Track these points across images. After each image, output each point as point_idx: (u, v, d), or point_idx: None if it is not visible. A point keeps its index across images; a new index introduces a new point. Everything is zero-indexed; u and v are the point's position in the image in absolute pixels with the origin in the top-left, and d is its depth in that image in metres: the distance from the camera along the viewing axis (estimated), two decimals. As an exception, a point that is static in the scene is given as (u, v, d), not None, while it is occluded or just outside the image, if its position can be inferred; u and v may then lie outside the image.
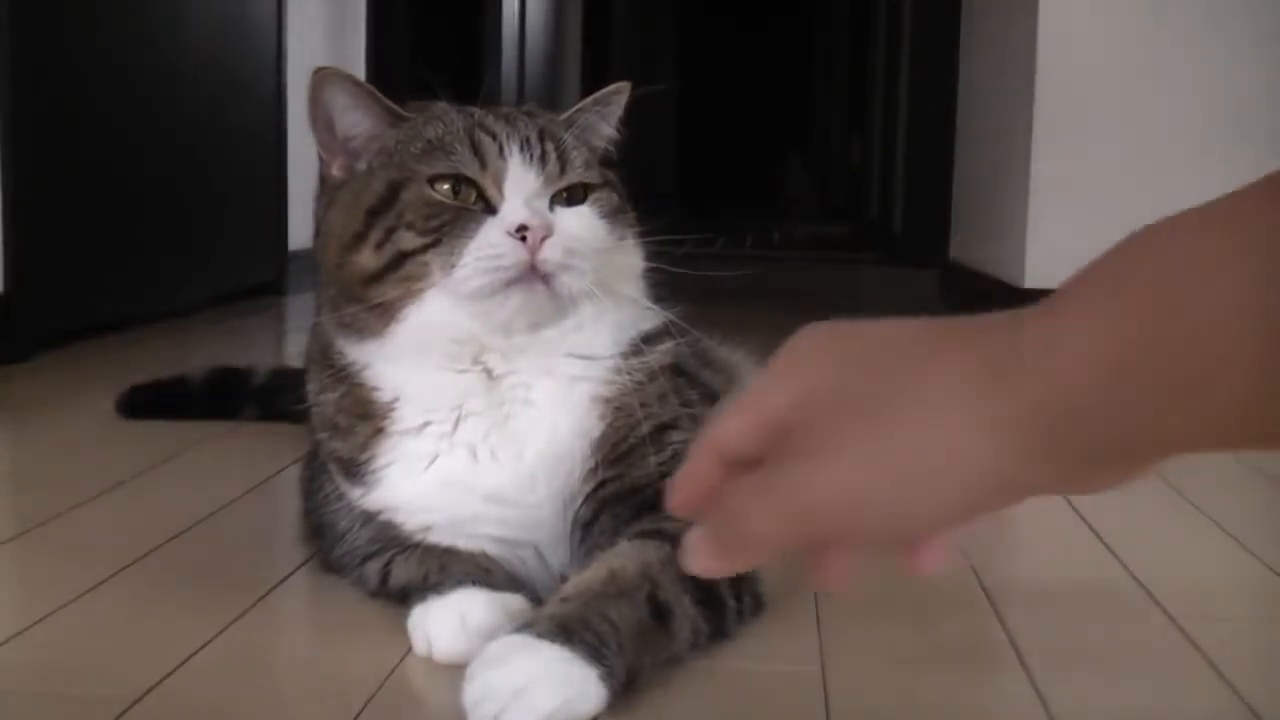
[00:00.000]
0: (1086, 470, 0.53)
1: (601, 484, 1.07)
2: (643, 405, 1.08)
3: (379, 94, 1.08)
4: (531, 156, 1.04)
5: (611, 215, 1.08)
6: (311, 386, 1.14)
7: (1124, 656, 1.08)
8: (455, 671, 0.97)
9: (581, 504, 1.07)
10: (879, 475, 0.54)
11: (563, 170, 1.06)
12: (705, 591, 0.99)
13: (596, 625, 0.90)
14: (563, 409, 1.07)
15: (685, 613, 0.97)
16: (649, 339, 1.11)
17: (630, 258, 1.11)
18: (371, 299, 1.03)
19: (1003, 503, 0.55)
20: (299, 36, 3.69)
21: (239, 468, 1.63)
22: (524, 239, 1.00)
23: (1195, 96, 3.03)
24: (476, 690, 0.87)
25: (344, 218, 1.05)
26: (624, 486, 1.07)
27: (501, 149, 1.04)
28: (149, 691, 0.93)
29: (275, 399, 1.80)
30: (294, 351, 2.34)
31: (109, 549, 1.26)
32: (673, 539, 0.95)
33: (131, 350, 2.58)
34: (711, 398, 1.19)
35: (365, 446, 1.08)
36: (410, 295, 1.02)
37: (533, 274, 1.00)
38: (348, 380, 1.09)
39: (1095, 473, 0.53)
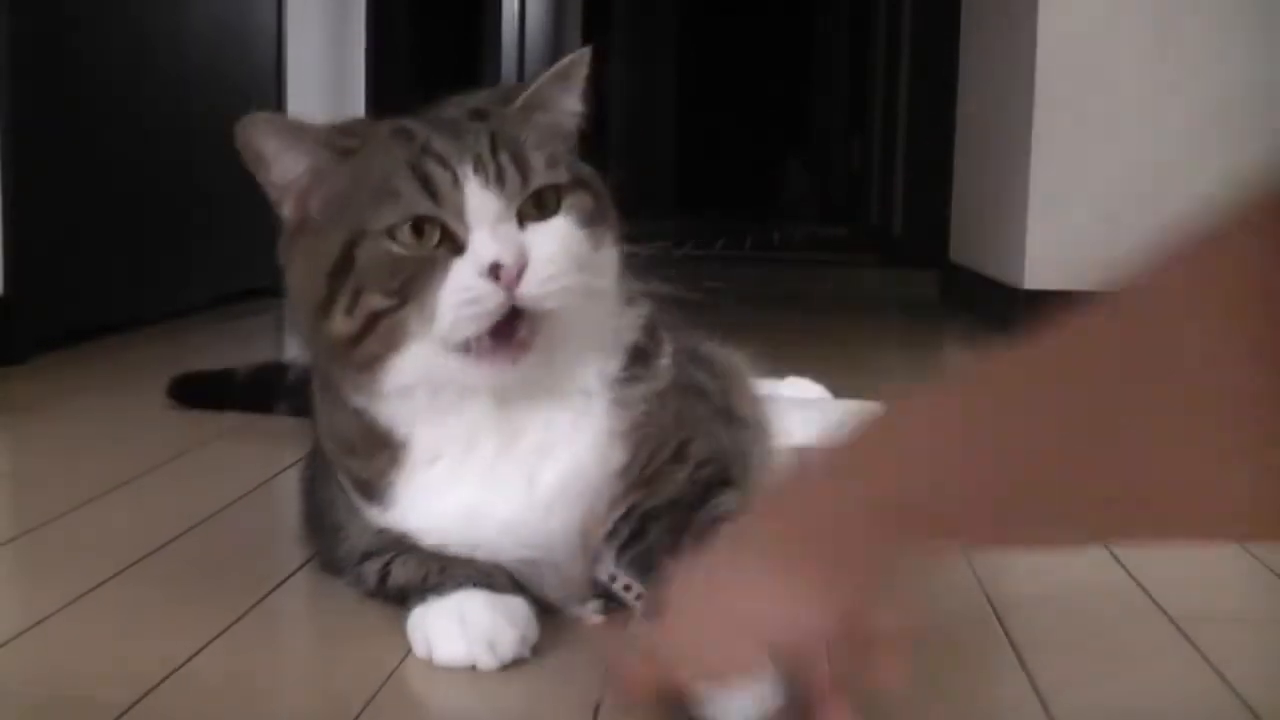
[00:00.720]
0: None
1: (633, 505, 1.06)
2: (662, 430, 1.08)
3: (312, 128, 1.03)
4: (488, 176, 0.97)
5: (589, 220, 1.02)
6: (322, 404, 1.13)
7: (1124, 656, 1.08)
8: (454, 674, 0.98)
9: (620, 522, 1.05)
10: (737, 630, 0.79)
11: (525, 181, 0.99)
12: None
13: None
14: (576, 441, 1.06)
15: None
16: (640, 355, 1.09)
17: (611, 260, 1.06)
18: (356, 360, 1.00)
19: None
20: (299, 38, 3.69)
21: (239, 469, 1.63)
22: (498, 276, 0.95)
23: (1195, 98, 3.03)
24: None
25: (306, 282, 1.02)
26: (660, 501, 1.06)
27: (455, 176, 0.97)
28: (149, 692, 0.93)
29: (306, 395, 1.81)
30: (294, 353, 2.34)
31: (109, 549, 1.26)
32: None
33: (131, 351, 2.58)
34: (708, 397, 1.19)
35: (384, 472, 1.07)
36: (393, 350, 0.99)
37: (514, 315, 0.96)
38: (361, 416, 1.07)
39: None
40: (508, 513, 1.05)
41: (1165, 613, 1.16)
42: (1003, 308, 3.23)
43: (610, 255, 1.06)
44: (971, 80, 4.02)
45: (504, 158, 0.98)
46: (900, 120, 5.49)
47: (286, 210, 1.05)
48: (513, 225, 0.98)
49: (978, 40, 3.94)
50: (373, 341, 0.99)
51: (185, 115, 3.10)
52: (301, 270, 1.03)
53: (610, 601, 1.04)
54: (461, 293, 0.95)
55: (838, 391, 1.97)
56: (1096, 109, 3.05)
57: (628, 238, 1.10)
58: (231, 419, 1.91)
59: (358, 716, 0.91)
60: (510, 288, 0.95)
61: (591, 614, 1.03)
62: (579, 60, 1.07)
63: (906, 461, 0.69)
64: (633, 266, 1.10)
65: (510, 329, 0.97)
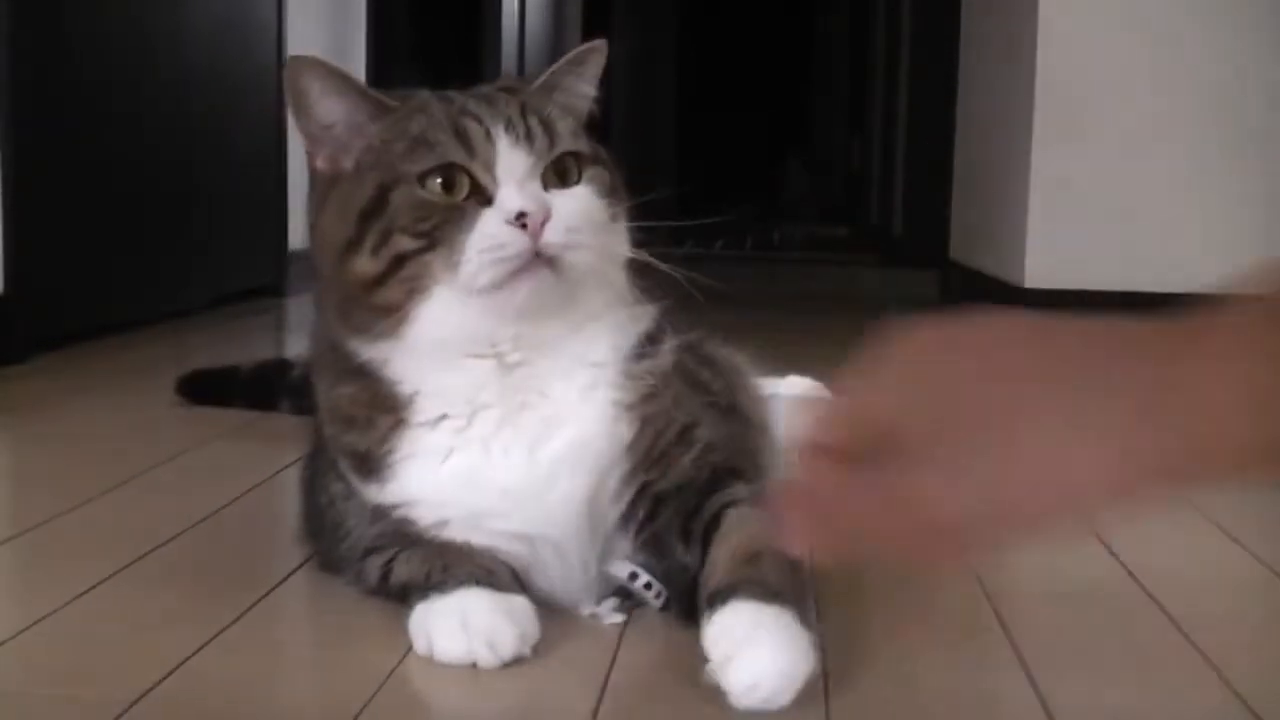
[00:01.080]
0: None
1: (644, 486, 1.08)
2: (665, 411, 1.09)
3: (356, 80, 1.07)
4: (518, 135, 1.03)
5: (607, 192, 1.07)
6: (321, 385, 1.13)
7: (1124, 656, 1.08)
8: (455, 672, 0.98)
9: (629, 508, 1.08)
10: (1014, 495, 0.54)
11: (552, 144, 1.04)
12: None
13: (785, 585, 0.97)
14: (582, 412, 1.07)
15: (796, 564, 1.03)
16: (649, 339, 1.11)
17: (620, 242, 1.09)
18: (375, 302, 1.02)
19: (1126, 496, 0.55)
20: (299, 37, 3.69)
21: (239, 469, 1.63)
22: (524, 225, 0.99)
23: (1195, 97, 3.03)
24: (746, 672, 0.91)
25: (337, 222, 1.04)
26: (670, 484, 1.08)
27: (488, 132, 1.02)
28: (149, 692, 0.93)
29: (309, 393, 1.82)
30: (295, 352, 2.34)
31: (108, 549, 1.26)
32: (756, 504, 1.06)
33: (131, 351, 2.59)
34: (714, 396, 1.20)
35: (385, 439, 1.08)
36: (416, 295, 1.01)
37: (538, 260, 0.99)
38: (366, 375, 1.08)
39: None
40: (508, 480, 1.06)
41: (1165, 613, 1.16)
42: (1003, 306, 3.22)
43: (622, 231, 1.10)
44: (971, 80, 4.02)
45: (533, 121, 1.04)
46: (900, 120, 5.49)
47: (320, 162, 1.07)
48: (538, 184, 1.03)
49: (978, 40, 3.94)
50: (395, 285, 1.01)
51: (185, 115, 3.10)
52: (332, 213, 1.05)
53: (627, 599, 1.04)
54: (488, 239, 0.99)
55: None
56: (1096, 109, 3.05)
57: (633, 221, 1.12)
58: (231, 418, 1.91)
59: (358, 716, 0.91)
60: (535, 236, 0.99)
61: (610, 613, 1.04)
62: (595, 49, 1.12)
63: None
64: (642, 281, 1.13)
65: (535, 266, 1.00)
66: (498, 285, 1.00)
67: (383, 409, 1.08)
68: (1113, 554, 1.34)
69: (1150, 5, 3.05)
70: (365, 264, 1.02)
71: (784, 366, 1.91)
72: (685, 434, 1.10)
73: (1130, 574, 1.28)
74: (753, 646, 0.91)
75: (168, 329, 2.87)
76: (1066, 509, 0.55)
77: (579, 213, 1.03)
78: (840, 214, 8.19)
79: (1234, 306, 0.50)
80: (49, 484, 1.57)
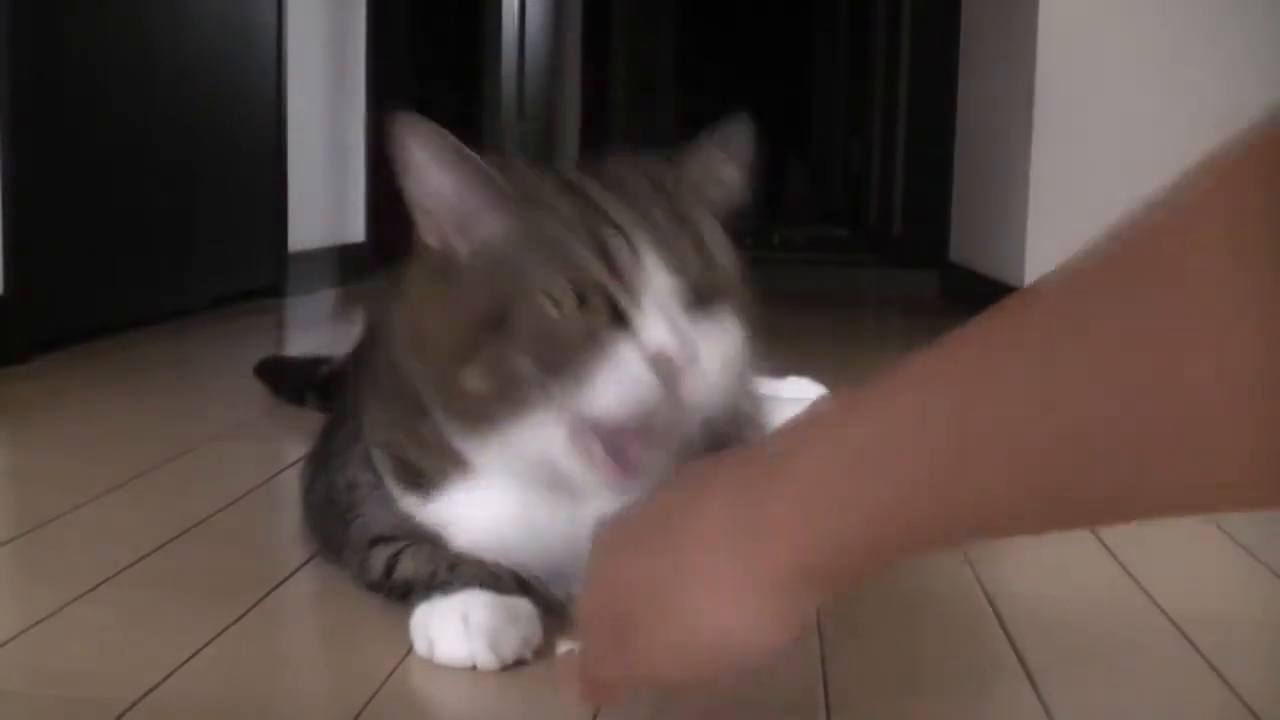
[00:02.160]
0: (855, 580, 0.64)
1: None
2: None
3: (471, 155, 0.94)
4: (668, 254, 0.90)
5: (748, 322, 0.95)
6: (389, 401, 1.07)
7: (1124, 657, 1.08)
8: (455, 674, 0.98)
9: None
10: (675, 656, 0.67)
11: (704, 264, 0.91)
12: None
13: None
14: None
15: None
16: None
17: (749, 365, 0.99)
18: (475, 414, 0.95)
19: (791, 619, 0.65)
20: (299, 38, 3.69)
21: (239, 468, 1.63)
22: (662, 369, 0.87)
23: (1195, 97, 3.03)
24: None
25: (448, 324, 0.95)
26: None
27: (631, 247, 0.89)
28: (149, 692, 0.93)
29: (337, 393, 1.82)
30: (294, 353, 2.34)
31: (109, 549, 1.26)
32: None
33: (131, 352, 2.59)
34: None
35: (443, 471, 1.05)
36: (523, 416, 0.92)
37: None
38: (445, 440, 1.03)
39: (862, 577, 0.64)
40: (550, 532, 1.04)
41: (1165, 613, 1.16)
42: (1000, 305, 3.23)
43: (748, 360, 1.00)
44: (971, 80, 4.02)
45: (684, 237, 0.91)
46: (900, 120, 5.49)
47: (428, 235, 0.97)
48: (683, 314, 0.90)
49: (978, 40, 3.94)
50: (501, 404, 0.93)
51: (185, 115, 3.10)
52: (442, 315, 0.95)
53: None
54: (624, 377, 0.88)
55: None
56: (1096, 109, 3.05)
57: None
58: (230, 417, 1.91)
59: (358, 716, 0.91)
60: (673, 385, 0.88)
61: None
62: (741, 129, 1.01)
63: (905, 481, 0.58)
64: None
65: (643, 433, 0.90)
66: (618, 430, 0.90)
67: (448, 457, 1.04)
68: (1112, 554, 1.34)
69: (1150, 6, 3.05)
70: (476, 380, 0.93)
71: (784, 366, 1.91)
72: None
73: (1130, 574, 1.28)
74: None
75: (168, 329, 2.87)
76: (720, 656, 0.66)
77: (721, 356, 0.92)
78: (840, 214, 8.19)
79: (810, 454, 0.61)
80: (49, 484, 1.57)
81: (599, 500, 0.98)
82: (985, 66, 3.76)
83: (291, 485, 1.41)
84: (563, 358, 0.90)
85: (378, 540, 1.10)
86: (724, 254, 0.95)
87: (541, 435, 0.94)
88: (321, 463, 1.23)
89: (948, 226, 4.22)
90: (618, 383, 0.89)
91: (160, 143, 2.99)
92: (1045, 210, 3.09)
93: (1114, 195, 3.09)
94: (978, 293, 3.56)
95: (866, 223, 6.82)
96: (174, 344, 2.75)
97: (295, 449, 1.49)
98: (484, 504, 1.05)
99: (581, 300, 0.90)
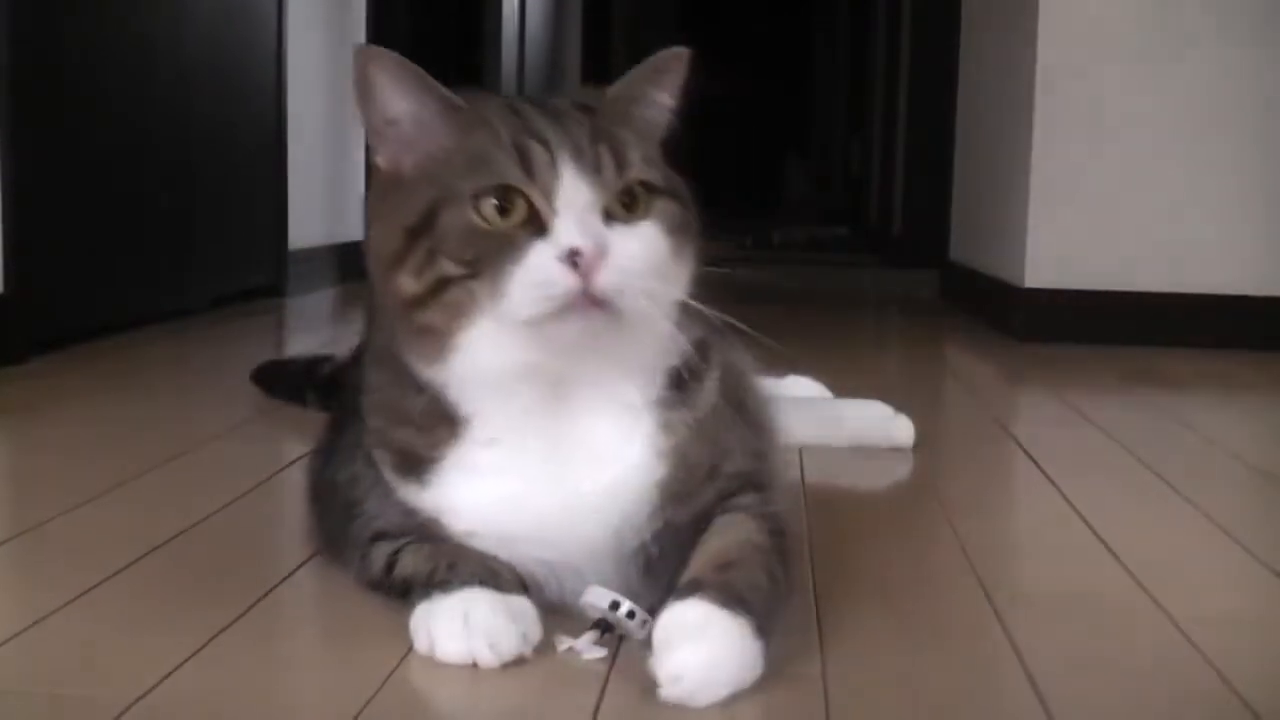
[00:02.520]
0: None
1: (667, 523, 1.06)
2: (699, 455, 1.07)
3: (428, 77, 1.01)
4: (585, 163, 0.97)
5: (676, 231, 1.01)
6: (375, 376, 1.10)
7: (1124, 656, 1.08)
8: (455, 672, 0.98)
9: (650, 540, 1.06)
10: None
11: (620, 173, 0.98)
12: (782, 560, 1.04)
13: (754, 596, 0.96)
14: (624, 453, 1.05)
15: (779, 577, 1.02)
16: (680, 380, 1.07)
17: (688, 273, 1.04)
18: (417, 323, 1.00)
19: None
20: (299, 36, 3.69)
21: (239, 468, 1.63)
22: (576, 264, 0.94)
23: (1194, 97, 3.03)
24: (674, 664, 0.91)
25: (385, 232, 1.01)
26: (688, 517, 1.07)
27: (552, 157, 0.97)
28: (149, 691, 0.93)
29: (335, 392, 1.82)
30: (295, 353, 2.34)
31: (109, 549, 1.26)
32: (754, 515, 1.06)
33: (131, 352, 2.59)
34: (741, 410, 1.19)
35: (438, 445, 1.06)
36: (460, 321, 0.98)
37: (587, 300, 0.94)
38: (428, 390, 1.05)
39: None
40: (546, 510, 1.05)
41: (1165, 613, 1.16)
42: (1003, 306, 3.23)
43: (686, 269, 1.04)
44: (971, 80, 4.02)
45: (602, 149, 0.99)
46: (900, 120, 5.49)
47: (382, 159, 1.04)
48: (599, 218, 0.97)
49: (978, 40, 3.94)
50: (436, 310, 0.98)
51: (185, 115, 3.10)
52: (384, 223, 1.02)
53: (608, 632, 1.03)
54: (536, 273, 0.95)
55: (838, 390, 1.97)
56: (1096, 109, 3.05)
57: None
58: (230, 417, 1.91)
59: (358, 715, 0.91)
60: (586, 276, 0.94)
61: (589, 648, 1.02)
62: (677, 55, 1.07)
63: None
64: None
65: (584, 305, 0.95)
66: (541, 322, 0.96)
67: (441, 420, 1.06)
68: (1113, 554, 1.34)
69: (1150, 6, 3.05)
70: (408, 282, 0.98)
71: (784, 366, 1.91)
72: (714, 469, 1.09)
73: (1130, 574, 1.28)
74: (692, 641, 0.92)
75: (168, 329, 2.87)
76: None
77: (640, 253, 0.98)
78: (840, 214, 8.19)
79: None
80: (49, 484, 1.57)
81: (596, 476, 1.03)
82: (985, 66, 3.76)
83: (291, 485, 1.41)
84: (484, 259, 0.96)
85: (378, 537, 1.10)
86: (648, 168, 1.01)
87: (476, 333, 0.98)
88: (325, 460, 1.23)
89: (948, 226, 4.22)
90: (531, 280, 0.95)
91: (160, 143, 2.99)
92: (1045, 210, 3.09)
93: (1114, 195, 3.12)
94: (978, 292, 3.56)
95: (867, 222, 6.82)
96: (174, 344, 2.75)
97: (295, 449, 1.49)
98: (480, 486, 1.06)
99: (504, 206, 0.97)
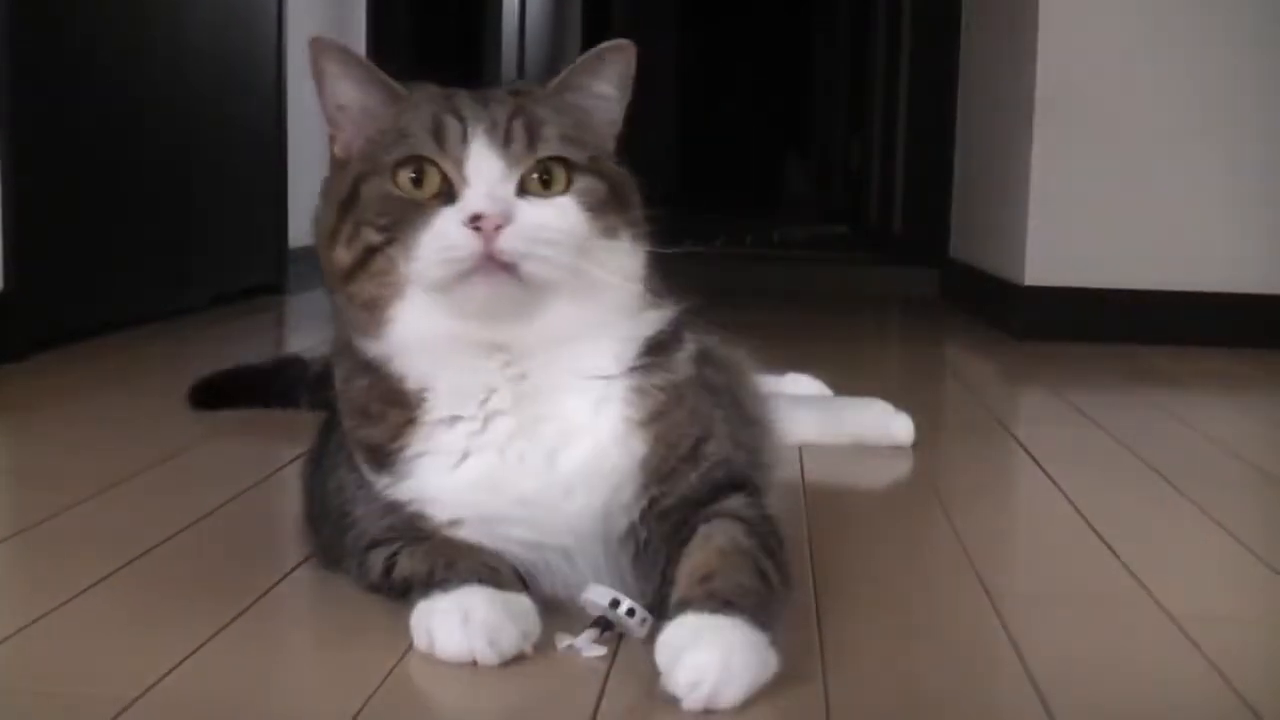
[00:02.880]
0: None
1: (652, 501, 1.07)
2: (678, 426, 1.08)
3: (374, 68, 1.07)
4: (496, 138, 1.01)
5: (598, 207, 1.04)
6: (339, 373, 1.13)
7: (1124, 656, 1.08)
8: (455, 670, 0.98)
9: (637, 522, 1.07)
10: None
11: (530, 148, 1.02)
12: (772, 558, 1.04)
13: (742, 596, 0.96)
14: (596, 426, 1.06)
15: (771, 574, 1.02)
16: (658, 347, 1.10)
17: (626, 256, 1.06)
18: (352, 295, 1.04)
19: None
20: (299, 35, 3.69)
21: (239, 467, 1.63)
22: (479, 229, 0.98)
23: (1193, 97, 3.03)
24: (688, 672, 0.91)
25: (325, 211, 1.06)
26: (673, 501, 1.07)
27: (465, 132, 1.02)
28: (148, 690, 0.93)
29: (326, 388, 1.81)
30: (297, 350, 2.34)
31: (108, 547, 1.26)
32: (737, 518, 1.05)
33: (131, 350, 2.59)
34: (724, 396, 1.19)
35: (397, 435, 1.08)
36: (390, 291, 1.02)
37: (493, 264, 0.98)
38: (376, 369, 1.08)
39: None
40: (525, 487, 1.06)
41: (1166, 612, 1.16)
42: (1003, 305, 3.23)
43: (622, 251, 1.06)
44: (972, 79, 4.02)
45: (517, 124, 1.02)
46: (900, 119, 5.49)
47: (336, 145, 1.09)
48: (510, 188, 1.01)
49: (978, 40, 3.94)
50: (366, 280, 1.02)
51: (185, 113, 3.10)
52: (325, 201, 1.07)
53: (608, 629, 1.03)
54: (441, 238, 0.99)
55: (838, 388, 1.97)
56: (1096, 109, 3.05)
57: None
58: (229, 417, 1.91)
59: (358, 712, 0.91)
60: (488, 240, 0.98)
61: (588, 646, 1.02)
62: (616, 48, 1.09)
63: None
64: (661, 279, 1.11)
65: (490, 268, 0.99)
66: (448, 286, 0.99)
67: (393, 404, 1.08)
68: (1113, 552, 1.34)
69: (1150, 6, 3.05)
70: (341, 254, 1.03)
71: (784, 363, 1.92)
72: (697, 448, 1.09)
73: (1130, 572, 1.28)
74: (692, 649, 0.91)
75: (168, 327, 2.87)
76: None
77: (549, 224, 1.01)
78: (840, 213, 8.18)
79: None
80: (49, 483, 1.57)
81: (570, 450, 1.05)
82: (986, 66, 3.76)
83: (290, 483, 1.41)
84: (399, 225, 1.01)
85: (374, 544, 1.11)
86: (566, 146, 1.03)
87: (406, 302, 1.02)
88: (314, 469, 1.24)
89: (948, 225, 4.22)
90: (437, 243, 0.99)
91: (161, 141, 2.99)
92: (1045, 208, 3.09)
93: (1114, 194, 3.12)
94: (978, 291, 3.56)
95: (867, 221, 6.82)
96: (174, 342, 2.75)
97: (293, 448, 1.49)
98: (452, 469, 1.06)
99: (418, 177, 1.02)
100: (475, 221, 0.98)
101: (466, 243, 0.98)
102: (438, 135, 1.02)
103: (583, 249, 1.02)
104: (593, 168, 1.05)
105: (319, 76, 1.07)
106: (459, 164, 1.01)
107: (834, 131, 9.37)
